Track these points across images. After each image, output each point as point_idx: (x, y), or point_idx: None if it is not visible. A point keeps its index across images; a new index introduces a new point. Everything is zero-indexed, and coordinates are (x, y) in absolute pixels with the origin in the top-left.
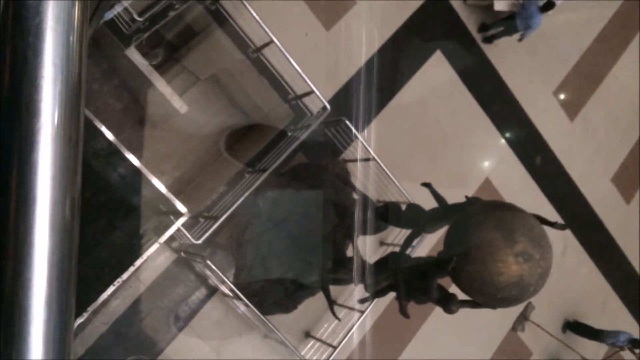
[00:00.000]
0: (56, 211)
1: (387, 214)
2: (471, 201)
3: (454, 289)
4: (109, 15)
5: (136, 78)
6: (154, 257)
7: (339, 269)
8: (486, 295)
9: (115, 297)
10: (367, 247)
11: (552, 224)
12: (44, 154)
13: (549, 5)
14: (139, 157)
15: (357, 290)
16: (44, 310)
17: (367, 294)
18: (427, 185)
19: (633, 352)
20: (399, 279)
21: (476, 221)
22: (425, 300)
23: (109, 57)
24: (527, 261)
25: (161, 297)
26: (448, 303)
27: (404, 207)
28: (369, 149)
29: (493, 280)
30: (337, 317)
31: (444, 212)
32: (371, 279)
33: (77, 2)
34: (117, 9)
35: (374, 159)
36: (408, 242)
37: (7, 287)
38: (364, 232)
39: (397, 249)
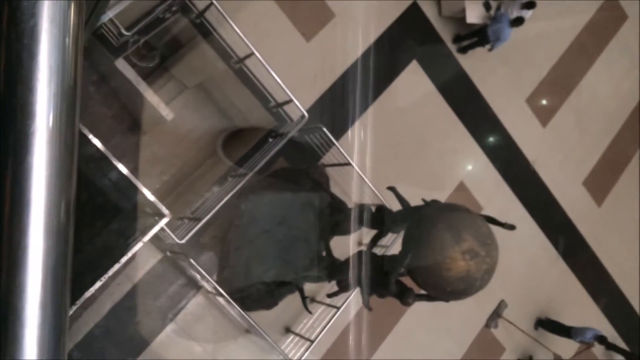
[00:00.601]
0: (51, 214)
1: (362, 217)
2: (428, 204)
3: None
4: (105, 18)
5: (125, 87)
6: (141, 256)
7: (314, 267)
8: (437, 289)
9: (104, 294)
10: (342, 246)
11: (502, 224)
12: (39, 157)
13: (518, 21)
14: (129, 162)
15: (332, 287)
16: (38, 314)
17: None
18: (391, 188)
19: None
20: (362, 275)
21: (429, 222)
22: (385, 295)
23: (99, 67)
24: (473, 258)
25: (148, 294)
26: (405, 296)
27: (374, 209)
28: (345, 154)
29: (443, 275)
30: (309, 312)
31: (406, 213)
32: (341, 276)
33: (72, 4)
34: (104, 18)
35: (350, 164)
36: (374, 241)
37: (0, 291)
38: (339, 233)
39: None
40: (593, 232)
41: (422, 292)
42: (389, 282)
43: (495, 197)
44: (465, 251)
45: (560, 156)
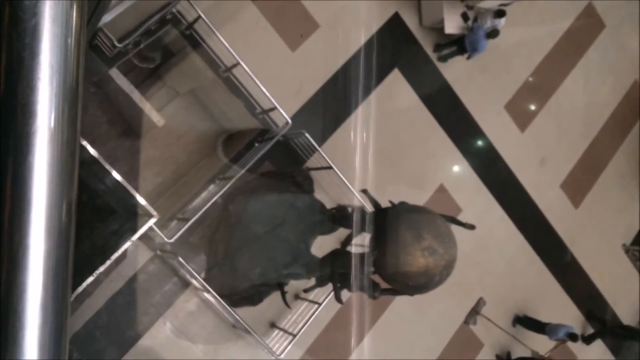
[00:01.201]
0: (52, 214)
1: (337, 217)
2: (395, 205)
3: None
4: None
5: (119, 95)
6: (133, 254)
7: (294, 265)
8: (400, 283)
9: (98, 289)
10: (324, 245)
11: (463, 224)
12: (40, 157)
13: (493, 33)
14: (123, 165)
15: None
16: (39, 315)
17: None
18: (364, 191)
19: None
20: (335, 271)
21: (393, 222)
22: (355, 289)
23: (94, 76)
24: (432, 255)
25: (139, 291)
26: (372, 290)
27: (350, 210)
28: (326, 158)
29: (405, 271)
30: (288, 306)
31: (376, 215)
32: (318, 273)
33: (74, 4)
34: (105, 19)
35: (331, 167)
36: (348, 240)
37: (1, 291)
38: (320, 233)
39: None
40: (570, 233)
41: (388, 286)
42: (357, 278)
43: (475, 199)
44: (424, 249)
45: (538, 160)
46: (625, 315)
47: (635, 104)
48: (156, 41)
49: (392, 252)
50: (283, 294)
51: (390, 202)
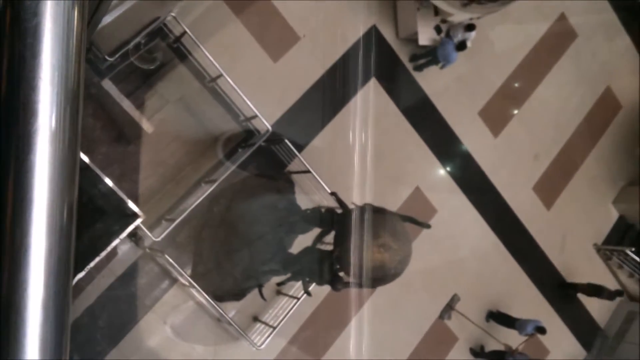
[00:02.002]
0: (53, 213)
1: (310, 217)
2: (358, 207)
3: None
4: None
5: (111, 104)
6: (124, 252)
7: (272, 262)
8: (361, 277)
9: (90, 284)
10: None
11: (419, 224)
12: (41, 156)
13: (462, 46)
14: (116, 169)
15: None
16: (40, 313)
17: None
18: (333, 194)
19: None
20: (303, 266)
21: (351, 222)
22: (321, 282)
23: (88, 86)
24: (387, 251)
25: (129, 286)
26: (335, 283)
27: (323, 210)
28: (305, 163)
29: (363, 265)
30: (264, 299)
31: (342, 215)
32: (292, 269)
33: (75, 4)
34: (106, 20)
35: (309, 171)
36: (318, 238)
37: (2, 290)
38: (297, 232)
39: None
40: (542, 233)
41: (351, 280)
42: (322, 272)
43: (450, 200)
44: (380, 245)
45: (511, 163)
46: (598, 313)
47: (607, 110)
48: (147, 52)
49: (352, 249)
50: (260, 288)
51: (353, 203)
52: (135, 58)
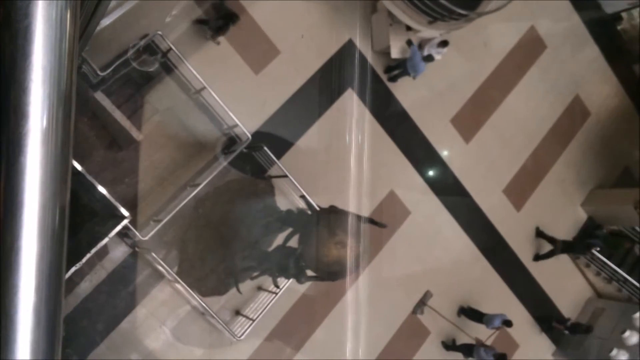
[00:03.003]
0: (45, 216)
1: (284, 218)
2: (322, 209)
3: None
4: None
5: (103, 114)
6: (115, 250)
7: (249, 259)
8: (321, 271)
9: (83, 280)
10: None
11: (376, 223)
12: (32, 158)
13: (429, 58)
14: (109, 174)
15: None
16: (31, 318)
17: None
18: (302, 197)
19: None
20: (273, 262)
21: (314, 222)
22: (288, 276)
23: (81, 98)
24: (343, 247)
25: (119, 281)
26: (299, 277)
27: (296, 211)
28: (282, 168)
29: (322, 261)
30: (239, 292)
31: (308, 216)
32: (265, 265)
33: (69, 5)
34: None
35: (287, 176)
36: (288, 237)
37: None
38: (275, 232)
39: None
40: (512, 233)
41: (314, 274)
42: (288, 267)
43: (423, 203)
44: (337, 242)
45: (482, 168)
46: (566, 310)
47: (576, 117)
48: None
49: (313, 246)
50: (236, 282)
51: (318, 206)
52: (136, 61)
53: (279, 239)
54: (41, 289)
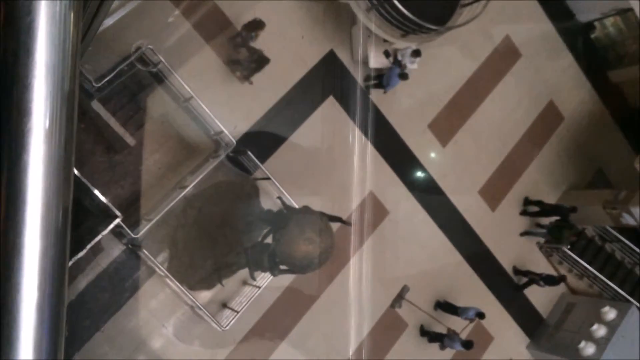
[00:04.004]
0: (47, 214)
1: (264, 218)
2: (294, 209)
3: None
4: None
5: (99, 121)
6: (109, 247)
7: (230, 254)
8: (291, 264)
9: (80, 275)
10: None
11: (343, 222)
12: (35, 156)
13: (404, 76)
14: (104, 176)
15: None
16: (34, 316)
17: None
18: (279, 198)
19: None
20: (251, 257)
21: (287, 221)
22: (264, 270)
23: (79, 106)
24: (311, 243)
25: (113, 276)
26: (273, 270)
27: (275, 211)
28: (265, 171)
29: (293, 256)
30: (221, 284)
31: (283, 215)
32: (244, 260)
33: (72, 4)
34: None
35: (270, 178)
36: (265, 235)
37: None
38: (254, 230)
39: None
40: (487, 232)
41: (286, 268)
42: (262, 261)
43: (401, 203)
44: (305, 239)
45: (459, 170)
46: (540, 305)
47: (550, 121)
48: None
49: (285, 242)
50: (219, 276)
51: (290, 206)
52: (129, 73)
53: (259, 237)
54: (44, 287)
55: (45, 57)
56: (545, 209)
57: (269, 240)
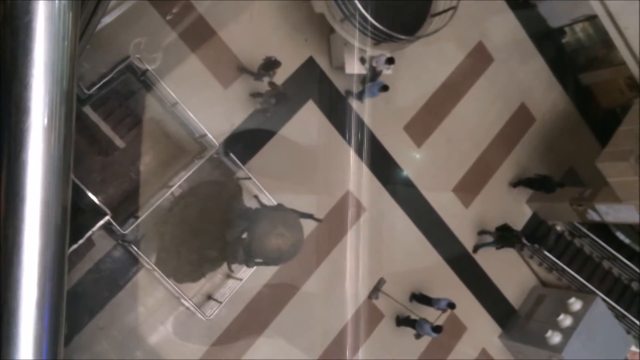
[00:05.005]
0: (46, 211)
1: (244, 215)
2: (269, 206)
3: None
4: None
5: (91, 125)
6: (101, 243)
7: (211, 249)
8: (264, 257)
9: (74, 269)
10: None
11: (314, 218)
12: (34, 154)
13: (385, 88)
14: (97, 177)
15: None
16: (34, 312)
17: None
18: (255, 196)
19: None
20: (229, 251)
21: (259, 217)
22: (241, 263)
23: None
24: (281, 237)
25: (105, 270)
26: (248, 262)
27: (254, 209)
28: (246, 171)
29: (265, 249)
30: (204, 277)
31: (258, 212)
32: (223, 254)
33: (70, 4)
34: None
35: (250, 178)
36: (243, 231)
37: None
38: (234, 227)
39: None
40: (461, 227)
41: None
42: (237, 254)
43: (378, 201)
44: (276, 234)
45: (433, 169)
46: (512, 296)
47: (522, 123)
48: (122, 82)
49: (258, 237)
50: (204, 270)
51: (264, 204)
52: (118, 80)
53: (238, 232)
54: (43, 284)
55: (44, 56)
56: (536, 180)
57: (245, 235)
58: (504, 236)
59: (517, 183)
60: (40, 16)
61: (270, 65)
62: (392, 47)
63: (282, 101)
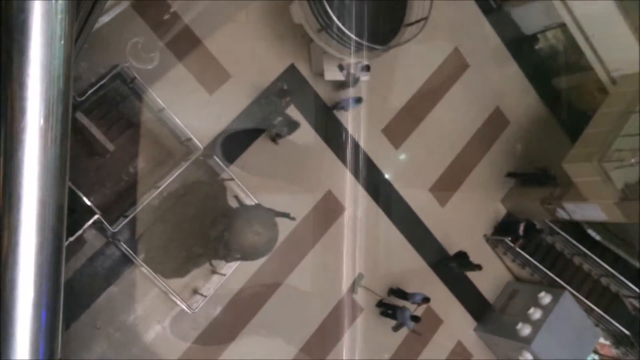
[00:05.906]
0: (43, 210)
1: (226, 214)
2: (247, 206)
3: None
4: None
5: (82, 130)
6: (93, 240)
7: (196, 246)
8: (241, 252)
9: (67, 265)
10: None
11: (289, 217)
12: (30, 153)
13: (360, 100)
14: (91, 177)
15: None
16: (31, 311)
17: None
18: (235, 196)
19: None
20: (210, 248)
21: (237, 216)
22: (221, 259)
23: None
24: (257, 235)
25: (97, 266)
26: (227, 258)
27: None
28: (230, 173)
29: (242, 245)
30: (189, 272)
31: (236, 211)
32: (205, 251)
33: (66, 3)
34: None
35: (233, 179)
36: (224, 229)
37: None
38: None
39: None
40: (437, 225)
41: (238, 256)
42: (218, 251)
43: (357, 201)
44: (253, 231)
45: (411, 170)
46: (487, 291)
47: (496, 125)
48: (112, 89)
49: (236, 234)
50: (189, 266)
51: (244, 204)
52: (108, 87)
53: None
54: (39, 283)
55: (40, 55)
56: (535, 174)
57: (225, 232)
58: (462, 262)
59: (512, 174)
60: (36, 15)
61: (282, 93)
62: (369, 55)
63: (294, 130)
